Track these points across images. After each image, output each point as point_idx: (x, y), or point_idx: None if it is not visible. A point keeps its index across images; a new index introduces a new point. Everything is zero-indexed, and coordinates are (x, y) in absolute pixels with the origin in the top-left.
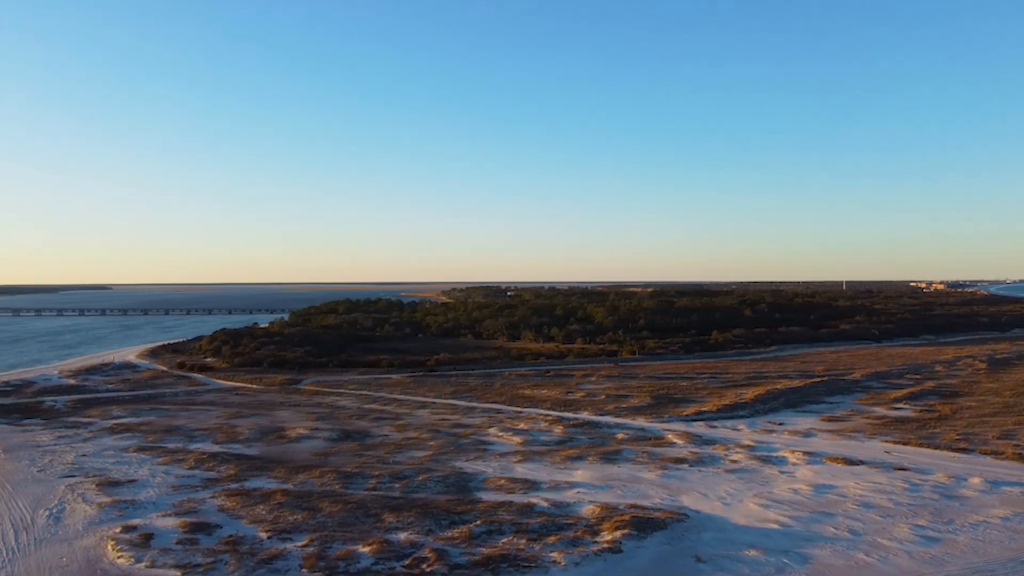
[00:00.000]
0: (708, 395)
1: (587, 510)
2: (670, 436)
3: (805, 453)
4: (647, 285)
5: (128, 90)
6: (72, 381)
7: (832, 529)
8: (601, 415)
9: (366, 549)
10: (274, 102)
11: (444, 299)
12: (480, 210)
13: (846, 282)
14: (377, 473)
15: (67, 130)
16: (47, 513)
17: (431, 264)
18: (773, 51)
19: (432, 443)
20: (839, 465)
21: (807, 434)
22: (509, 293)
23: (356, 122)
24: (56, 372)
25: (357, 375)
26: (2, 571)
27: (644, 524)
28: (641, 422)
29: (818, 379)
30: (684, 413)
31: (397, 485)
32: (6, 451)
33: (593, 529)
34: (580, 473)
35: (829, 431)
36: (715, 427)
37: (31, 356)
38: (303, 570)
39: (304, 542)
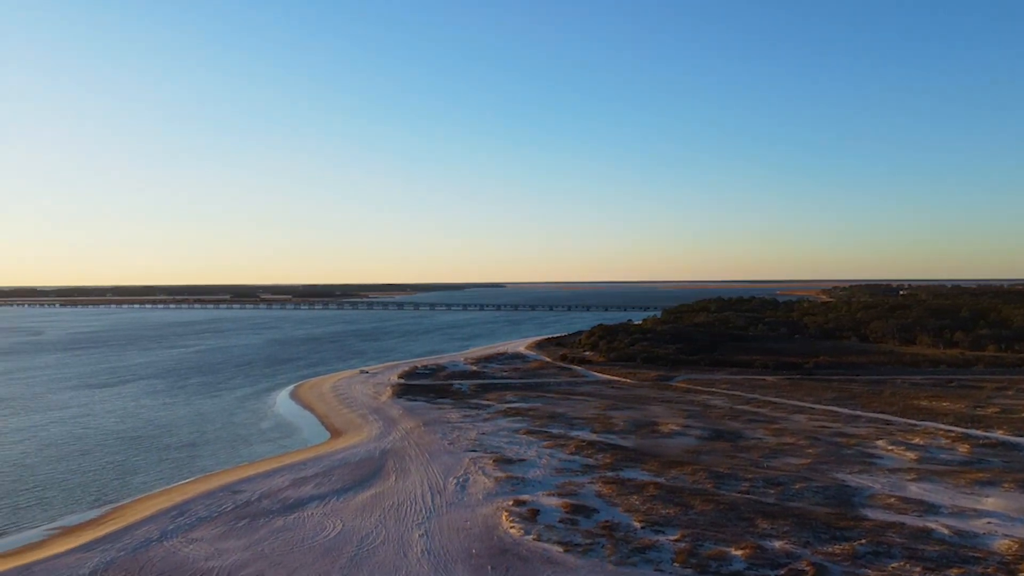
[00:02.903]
0: None
1: (1000, 544)
2: None
3: None
4: None
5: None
6: (474, 368)
7: None
8: (1020, 436)
9: (738, 552)
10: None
11: (824, 298)
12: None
13: None
14: (750, 476)
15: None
16: (455, 481)
17: (807, 262)
18: None
19: (810, 450)
20: None
21: None
22: (901, 292)
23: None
24: (462, 359)
25: (728, 374)
26: (422, 526)
27: None
28: None
29: None
30: None
31: (771, 491)
32: (425, 424)
33: (1008, 567)
34: (991, 501)
35: None
36: None
37: (436, 345)
38: (675, 564)
39: (676, 536)
